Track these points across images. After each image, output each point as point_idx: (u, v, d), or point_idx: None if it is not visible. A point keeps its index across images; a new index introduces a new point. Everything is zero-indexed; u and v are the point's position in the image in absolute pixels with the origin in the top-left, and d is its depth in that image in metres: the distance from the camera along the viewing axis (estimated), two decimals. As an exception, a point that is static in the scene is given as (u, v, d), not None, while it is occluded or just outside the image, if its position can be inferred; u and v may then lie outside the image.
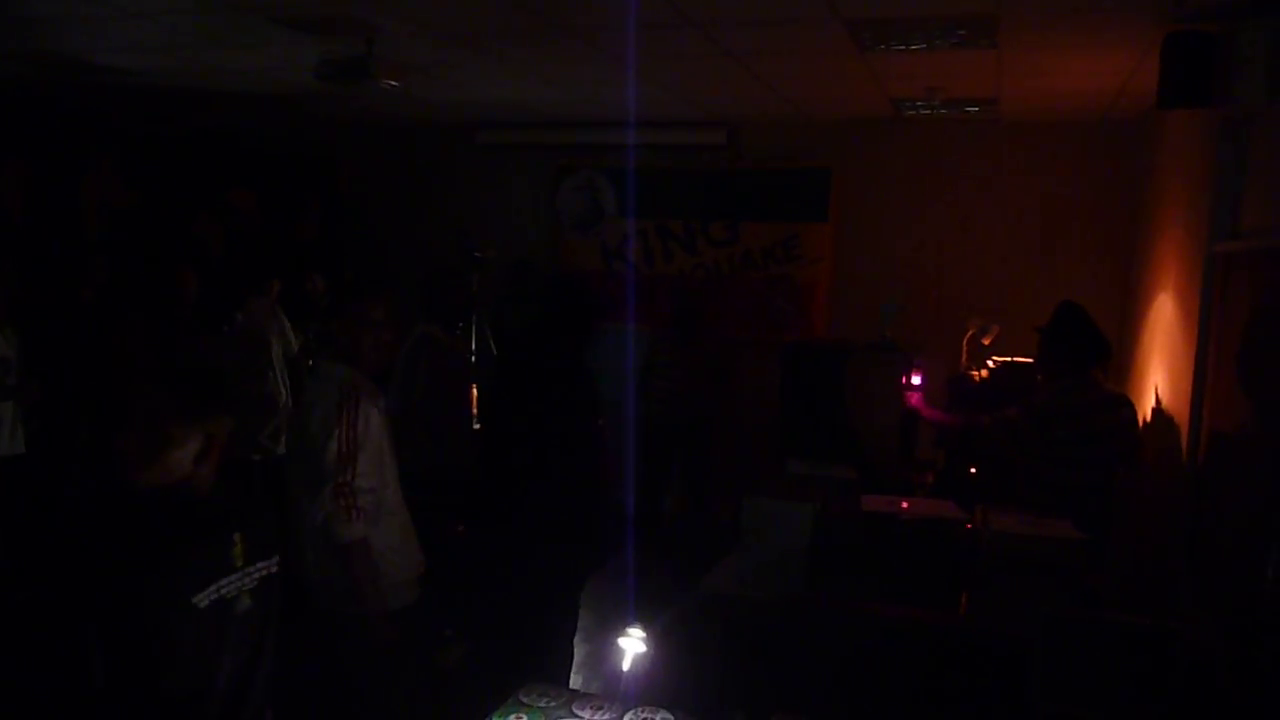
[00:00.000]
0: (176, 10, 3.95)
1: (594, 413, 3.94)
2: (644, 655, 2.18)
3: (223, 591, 1.93)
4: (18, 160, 5.99)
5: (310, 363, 5.55)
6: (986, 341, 5.40)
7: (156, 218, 6.68)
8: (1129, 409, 3.96)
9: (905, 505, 3.16)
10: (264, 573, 2.04)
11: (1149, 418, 4.42)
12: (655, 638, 2.25)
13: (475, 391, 5.27)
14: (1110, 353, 4.04)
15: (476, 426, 5.26)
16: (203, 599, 1.88)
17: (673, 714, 2.13)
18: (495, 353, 5.98)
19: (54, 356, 4.88)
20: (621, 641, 2.18)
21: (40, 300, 5.10)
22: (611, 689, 2.31)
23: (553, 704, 2.19)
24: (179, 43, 4.56)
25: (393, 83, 4.39)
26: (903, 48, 4.19)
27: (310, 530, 2.85)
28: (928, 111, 5.80)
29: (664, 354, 6.06)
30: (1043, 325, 4.04)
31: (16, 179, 5.95)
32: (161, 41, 4.56)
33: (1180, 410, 3.85)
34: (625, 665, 2.15)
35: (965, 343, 5.47)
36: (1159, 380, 4.39)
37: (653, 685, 2.23)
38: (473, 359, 5.62)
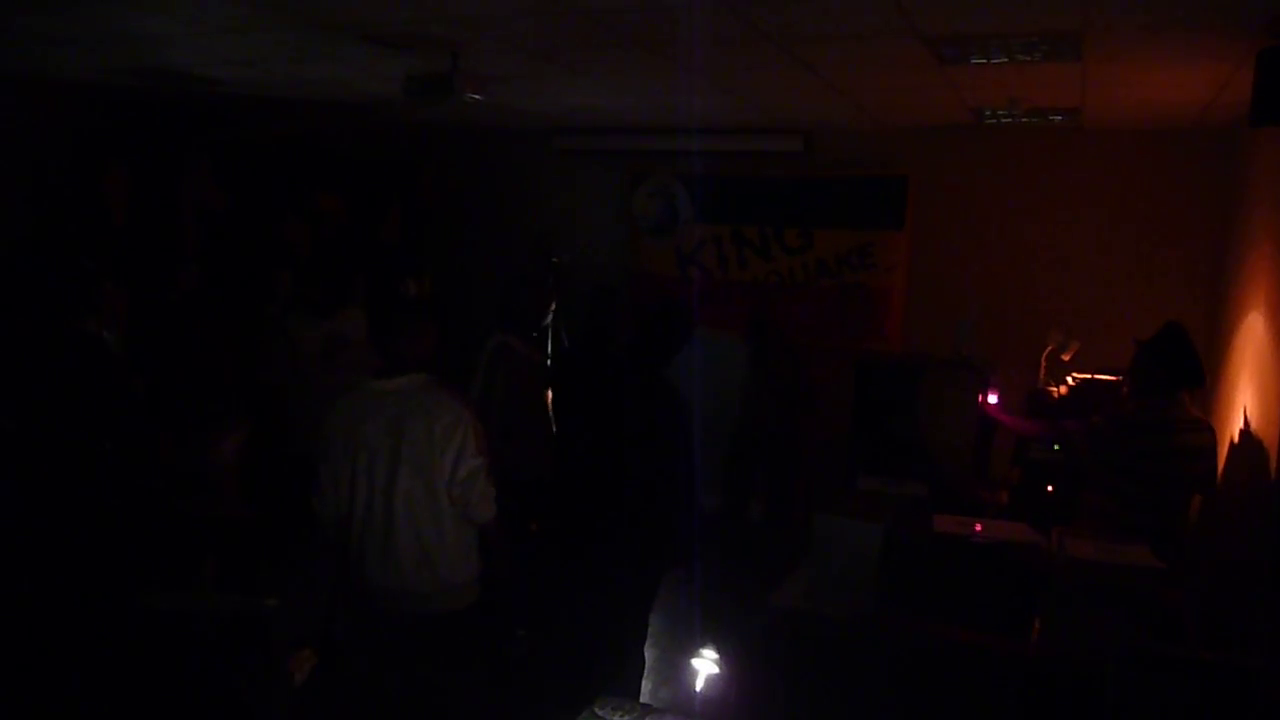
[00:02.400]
0: (269, 28, 4.13)
1: (678, 421, 3.97)
2: (716, 675, 2.23)
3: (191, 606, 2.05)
4: (121, 166, 6.27)
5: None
6: (1066, 358, 5.28)
7: (248, 220, 6.93)
8: (1210, 434, 3.88)
9: (979, 528, 3.14)
10: (242, 609, 2.14)
11: (1236, 439, 4.30)
12: (726, 657, 2.30)
13: (550, 394, 5.35)
14: (1203, 379, 3.96)
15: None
16: (160, 601, 2.01)
17: (742, 733, 2.18)
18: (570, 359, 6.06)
19: (150, 355, 5.10)
20: (694, 662, 2.23)
21: (139, 300, 5.34)
22: (683, 704, 2.37)
23: (626, 718, 2.26)
24: (272, 55, 4.75)
25: (476, 96, 4.50)
26: (984, 60, 4.15)
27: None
28: (1009, 120, 5.71)
29: (741, 365, 6.10)
30: (1143, 338, 3.97)
31: (120, 184, 6.24)
32: (255, 55, 4.76)
33: (1269, 432, 3.74)
34: (698, 686, 2.20)
35: (1044, 358, 5.36)
36: (1248, 401, 4.27)
37: (723, 702, 2.28)
38: (548, 363, 5.71)
